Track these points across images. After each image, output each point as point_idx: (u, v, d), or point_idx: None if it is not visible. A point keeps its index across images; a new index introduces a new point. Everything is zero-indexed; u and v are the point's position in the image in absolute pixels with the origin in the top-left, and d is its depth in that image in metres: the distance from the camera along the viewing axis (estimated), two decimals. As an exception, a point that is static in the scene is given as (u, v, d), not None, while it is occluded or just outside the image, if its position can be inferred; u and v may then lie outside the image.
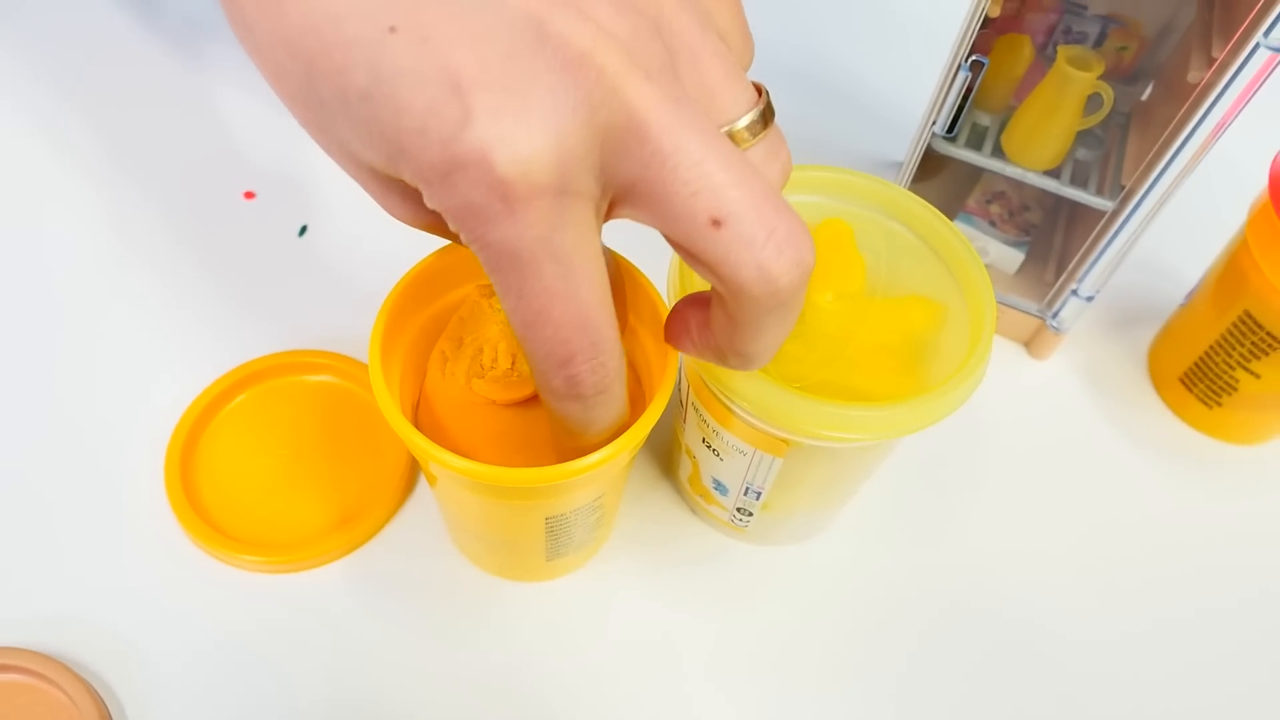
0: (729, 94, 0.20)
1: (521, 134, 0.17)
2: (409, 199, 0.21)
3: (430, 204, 0.19)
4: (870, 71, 0.52)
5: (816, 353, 0.29)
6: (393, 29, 0.18)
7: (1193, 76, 0.33)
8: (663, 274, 0.29)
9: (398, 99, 0.18)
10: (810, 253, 0.19)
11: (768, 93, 0.21)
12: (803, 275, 0.19)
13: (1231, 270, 0.38)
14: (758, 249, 0.19)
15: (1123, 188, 0.36)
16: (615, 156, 0.19)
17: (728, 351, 0.22)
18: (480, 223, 0.18)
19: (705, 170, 0.18)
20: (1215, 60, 0.31)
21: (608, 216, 0.20)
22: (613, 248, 0.28)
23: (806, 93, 0.51)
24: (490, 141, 0.17)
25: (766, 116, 0.21)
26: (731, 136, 0.20)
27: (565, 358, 0.20)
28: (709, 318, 0.22)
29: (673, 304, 0.25)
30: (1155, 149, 0.34)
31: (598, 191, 0.19)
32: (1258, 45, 0.29)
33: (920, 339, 0.30)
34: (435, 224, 0.21)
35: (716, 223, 0.19)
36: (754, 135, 0.21)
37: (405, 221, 0.22)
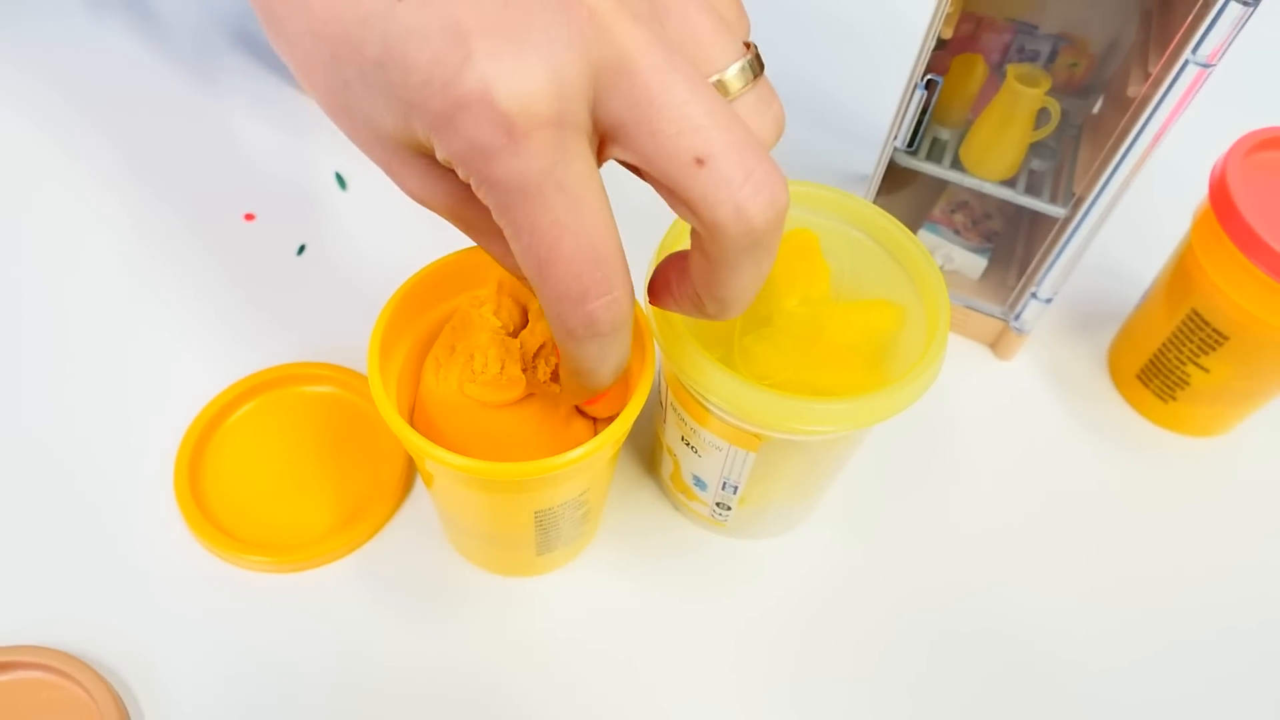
0: (716, 45, 0.22)
1: (520, 69, 0.19)
2: (426, 170, 0.22)
3: (441, 156, 0.21)
4: (840, 91, 0.55)
5: (784, 353, 0.31)
6: None
7: (1132, 91, 0.35)
8: (643, 266, 0.31)
9: (406, 58, 0.20)
10: (785, 195, 0.21)
11: (756, 47, 0.23)
12: (777, 215, 0.21)
13: (1179, 272, 0.40)
14: (735, 188, 0.20)
15: (1074, 195, 0.38)
16: (606, 94, 0.20)
17: (705, 298, 0.23)
18: (487, 160, 0.20)
19: (689, 112, 0.20)
20: (1151, 75, 0.34)
21: (599, 158, 0.22)
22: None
23: (788, 111, 0.53)
24: (490, 78, 0.19)
25: (755, 68, 0.22)
26: (721, 85, 0.22)
27: (580, 293, 0.21)
28: (687, 267, 0.24)
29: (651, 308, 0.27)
30: (1101, 158, 0.36)
31: (590, 127, 0.20)
32: (1187, 61, 0.32)
33: (882, 339, 0.32)
34: (450, 198, 0.23)
35: (699, 161, 0.20)
36: (743, 84, 0.22)
37: (422, 198, 0.23)
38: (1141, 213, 0.46)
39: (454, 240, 0.30)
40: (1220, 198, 0.37)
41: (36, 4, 0.54)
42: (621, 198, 0.23)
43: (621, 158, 0.21)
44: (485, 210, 0.21)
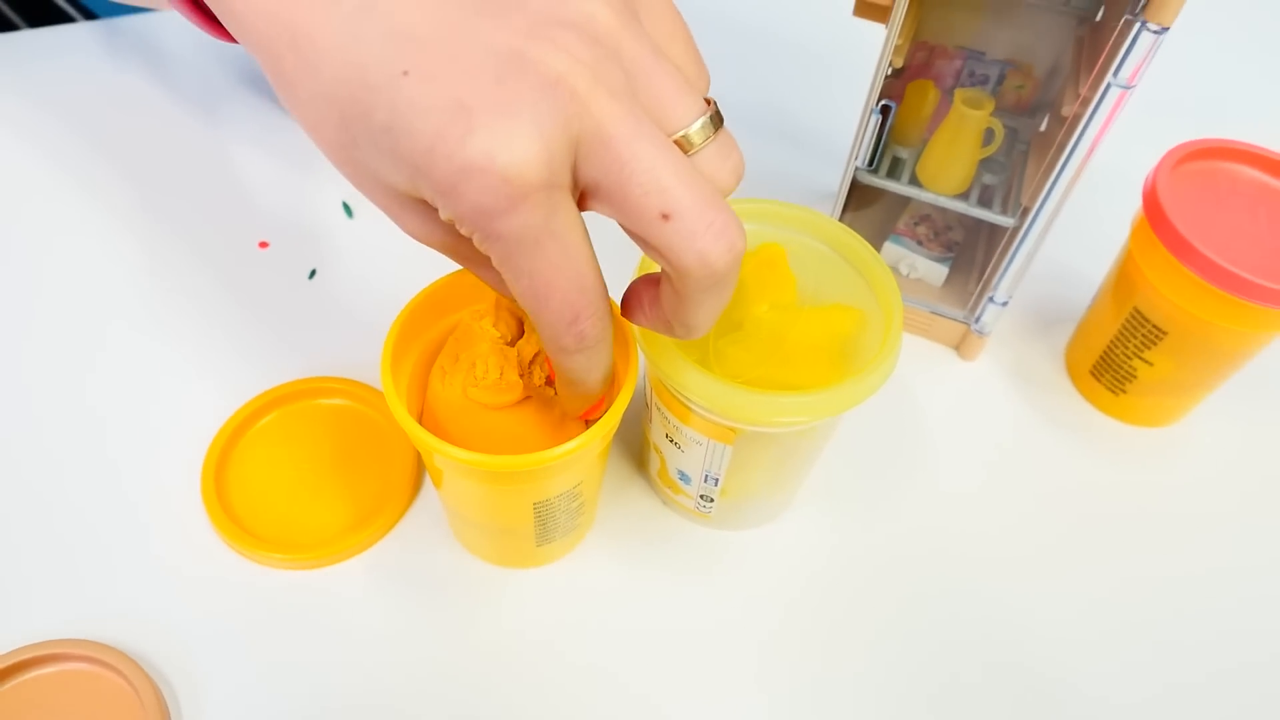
0: (680, 106, 0.25)
1: (515, 141, 0.22)
2: (426, 216, 0.26)
3: (445, 214, 0.24)
4: (809, 115, 0.58)
5: (755, 354, 0.34)
6: (405, 73, 0.23)
7: (1066, 110, 0.39)
8: (621, 285, 0.34)
9: (413, 128, 0.23)
10: (741, 241, 0.25)
11: (716, 103, 0.27)
12: (735, 258, 0.25)
13: (1122, 275, 0.43)
14: (698, 238, 0.24)
15: (1022, 206, 0.42)
16: (586, 160, 0.24)
17: (674, 323, 0.27)
18: (491, 219, 0.23)
19: (657, 175, 0.23)
20: (1081, 96, 0.37)
21: (580, 208, 0.25)
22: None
23: (757, 135, 0.57)
24: (491, 149, 0.22)
25: (715, 122, 0.26)
26: (686, 139, 0.25)
27: (573, 317, 0.25)
28: (659, 295, 0.28)
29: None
30: (1043, 172, 0.40)
31: (573, 185, 0.24)
32: (1109, 84, 0.35)
33: (843, 339, 0.35)
34: (446, 238, 0.27)
35: (665, 217, 0.24)
36: (705, 139, 0.26)
37: (420, 238, 0.27)
38: (1089, 221, 0.49)
39: (453, 263, 0.34)
40: (1152, 207, 0.40)
41: (55, 47, 0.58)
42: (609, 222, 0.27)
43: (600, 210, 0.25)
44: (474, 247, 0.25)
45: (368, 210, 0.51)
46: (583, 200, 0.25)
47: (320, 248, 0.49)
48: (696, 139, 0.25)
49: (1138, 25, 0.33)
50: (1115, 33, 0.34)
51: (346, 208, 0.51)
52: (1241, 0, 0.72)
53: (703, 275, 0.25)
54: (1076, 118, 0.37)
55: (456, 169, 0.23)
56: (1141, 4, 0.33)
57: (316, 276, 0.48)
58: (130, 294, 0.46)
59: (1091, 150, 0.37)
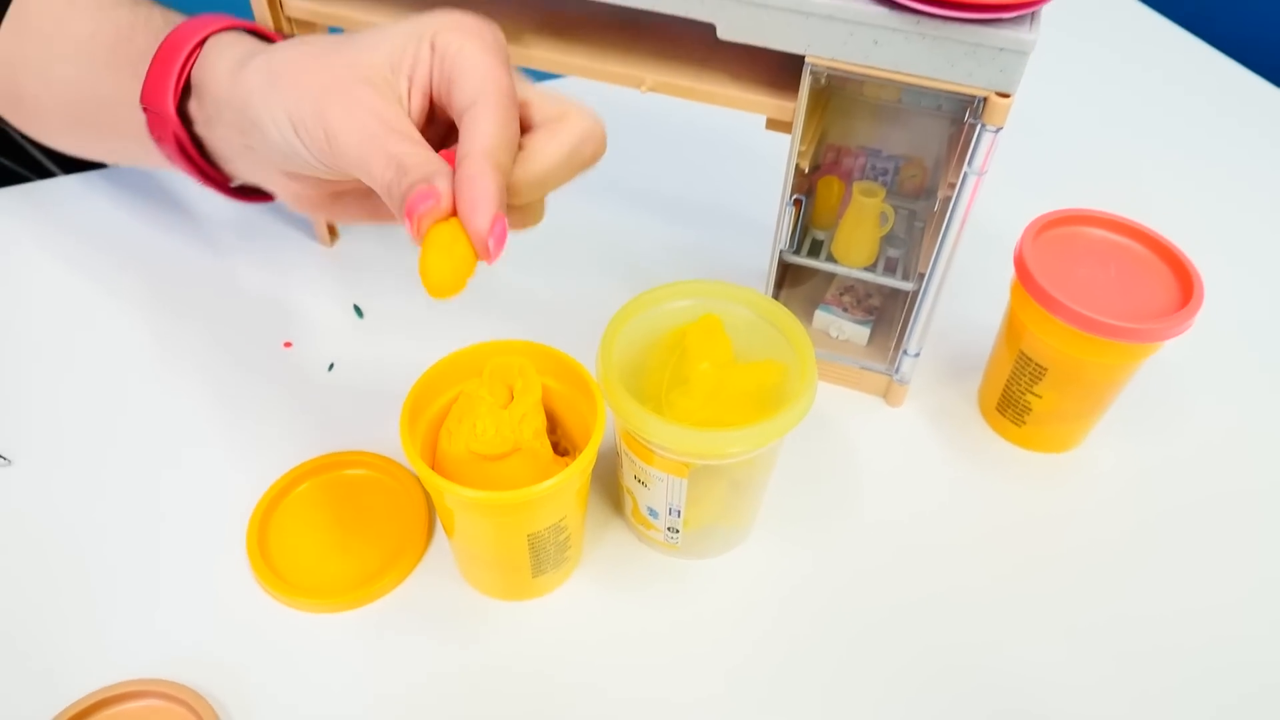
0: None
1: None
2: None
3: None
4: (748, 206, 0.68)
5: (699, 402, 0.42)
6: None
7: (942, 193, 0.48)
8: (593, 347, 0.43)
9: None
10: None
11: None
12: None
13: (1009, 323, 0.52)
14: None
15: (919, 273, 0.51)
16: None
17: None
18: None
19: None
20: (951, 183, 0.46)
21: None
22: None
23: (705, 223, 0.66)
24: None
25: None
26: None
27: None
28: None
29: (600, 373, 0.39)
30: (927, 243, 0.49)
31: None
32: (966, 173, 0.44)
33: (771, 389, 0.43)
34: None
35: None
36: None
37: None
38: (986, 280, 0.58)
39: (450, 346, 0.42)
40: (1022, 269, 0.49)
41: (91, 187, 0.67)
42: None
43: None
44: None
45: (375, 312, 0.59)
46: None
47: (336, 344, 0.58)
48: None
49: (979, 127, 0.43)
50: (963, 134, 0.44)
51: (357, 310, 0.59)
52: (1091, 94, 0.83)
53: None
54: (948, 199, 0.46)
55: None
56: (980, 111, 0.42)
57: (335, 369, 0.56)
58: (186, 390, 0.55)
59: (963, 223, 0.46)
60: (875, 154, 0.54)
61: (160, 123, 0.45)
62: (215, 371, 0.56)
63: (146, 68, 0.45)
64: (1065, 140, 0.78)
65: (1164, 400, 0.57)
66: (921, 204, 0.55)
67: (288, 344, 0.57)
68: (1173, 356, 0.57)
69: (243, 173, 0.46)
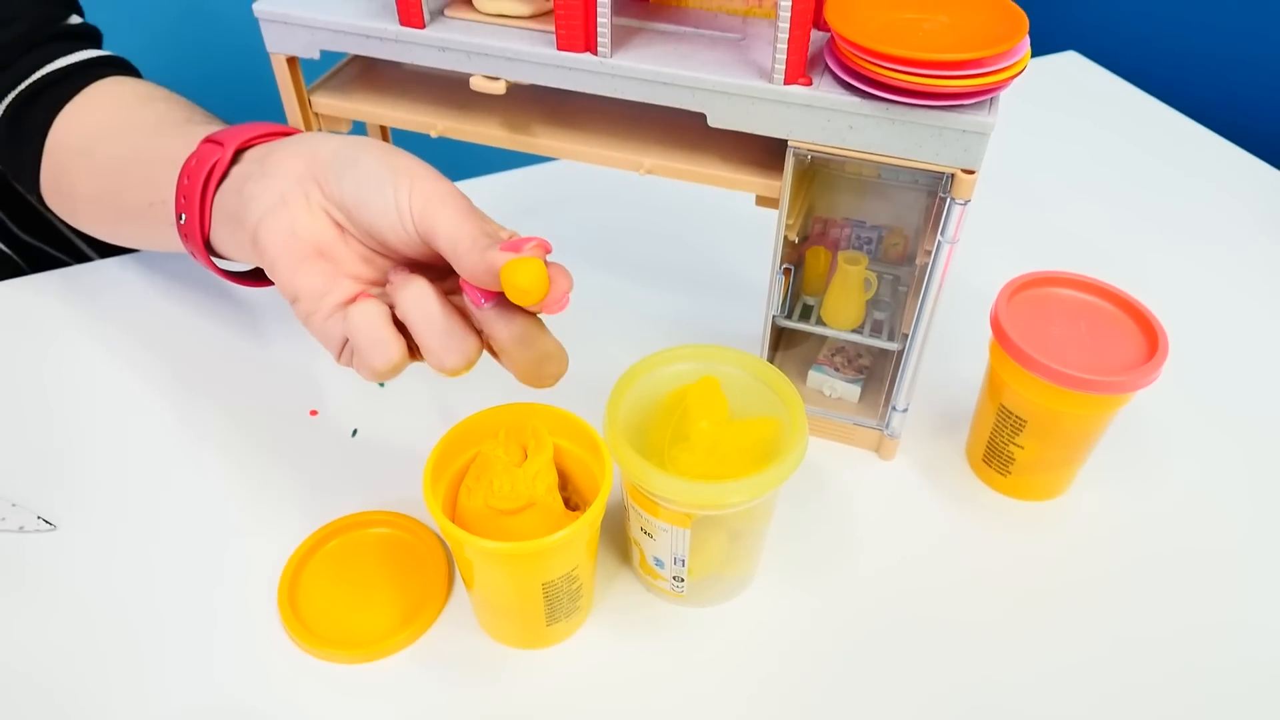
0: None
1: None
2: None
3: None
4: (746, 273, 0.72)
5: (699, 458, 0.46)
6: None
7: (920, 260, 0.52)
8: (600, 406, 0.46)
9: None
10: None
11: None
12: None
13: (990, 379, 0.55)
14: None
15: (903, 334, 0.54)
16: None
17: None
18: None
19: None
20: (927, 250, 0.50)
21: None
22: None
23: (706, 289, 0.70)
24: None
25: None
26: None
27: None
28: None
29: (606, 432, 0.43)
30: (909, 305, 0.53)
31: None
32: (941, 243, 0.48)
33: (766, 443, 0.47)
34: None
35: None
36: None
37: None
38: (970, 338, 0.61)
39: (465, 410, 0.46)
40: (998, 329, 0.53)
41: (126, 270, 0.71)
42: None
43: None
44: None
45: (394, 381, 0.63)
46: None
47: (359, 411, 0.61)
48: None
49: (949, 200, 0.47)
50: (934, 207, 0.48)
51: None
52: (1060, 159, 0.88)
53: None
54: (924, 266, 0.50)
55: None
56: (949, 186, 0.46)
57: (359, 435, 0.60)
58: (220, 457, 0.58)
59: (940, 288, 0.50)
60: (859, 224, 0.58)
61: (188, 193, 0.48)
62: (247, 439, 0.59)
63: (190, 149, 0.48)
64: (1038, 202, 0.82)
65: (1142, 447, 0.60)
66: (905, 269, 0.59)
67: (314, 412, 0.61)
68: (1149, 404, 0.61)
69: (231, 251, 0.48)
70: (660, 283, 0.72)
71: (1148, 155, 0.89)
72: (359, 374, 0.42)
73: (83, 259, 0.82)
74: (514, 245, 0.39)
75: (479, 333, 0.41)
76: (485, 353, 0.42)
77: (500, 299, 0.40)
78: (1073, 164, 0.88)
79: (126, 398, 0.62)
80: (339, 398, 0.62)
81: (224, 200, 0.47)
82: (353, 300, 0.41)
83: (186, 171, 0.48)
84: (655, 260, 0.74)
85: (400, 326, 0.41)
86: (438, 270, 0.42)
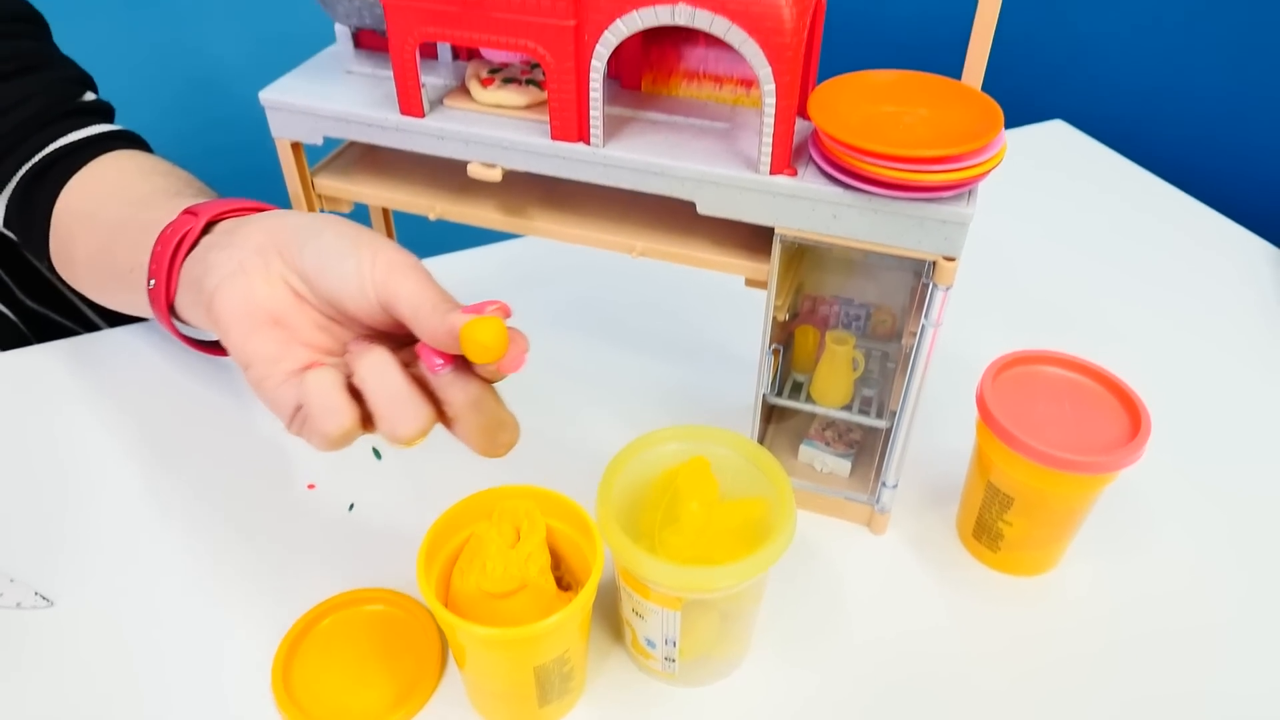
0: None
1: None
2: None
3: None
4: (739, 350, 0.73)
5: (689, 539, 0.46)
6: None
7: (905, 340, 0.53)
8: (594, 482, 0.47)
9: None
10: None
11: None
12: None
13: (978, 456, 0.56)
14: None
15: (891, 411, 0.55)
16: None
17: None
18: None
19: None
20: (912, 331, 0.52)
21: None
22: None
23: (695, 366, 0.71)
24: None
25: None
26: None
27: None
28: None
29: (598, 515, 0.43)
30: (896, 383, 0.54)
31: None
32: (925, 325, 0.49)
33: (754, 524, 0.47)
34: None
35: None
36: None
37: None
38: (961, 412, 0.62)
39: (462, 484, 0.47)
40: (984, 409, 0.53)
41: (134, 339, 0.73)
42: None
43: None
44: None
45: (391, 454, 0.64)
46: None
47: (356, 485, 0.62)
48: None
49: (932, 285, 0.48)
50: (918, 289, 0.49)
51: (375, 452, 0.64)
52: (1046, 235, 0.90)
53: None
54: (909, 346, 0.51)
55: None
56: (931, 273, 0.48)
57: (355, 509, 0.60)
58: (218, 530, 0.59)
59: (926, 367, 0.51)
60: (848, 302, 0.60)
61: (160, 257, 0.50)
62: (245, 512, 0.60)
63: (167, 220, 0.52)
64: (1025, 272, 0.84)
65: (1131, 520, 0.60)
66: (893, 345, 0.61)
67: (311, 485, 0.62)
68: (1136, 478, 0.61)
69: (192, 317, 0.51)
70: (653, 355, 0.73)
71: (1134, 224, 0.91)
72: (309, 443, 0.42)
73: (91, 327, 0.83)
74: (476, 309, 0.40)
75: (434, 403, 0.42)
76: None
77: (458, 363, 0.41)
78: (1060, 233, 0.89)
79: (129, 470, 0.63)
80: (336, 471, 0.63)
81: (190, 268, 0.49)
82: (307, 368, 0.42)
83: (161, 239, 0.51)
84: (648, 332, 0.75)
85: (353, 396, 0.42)
86: (395, 340, 0.44)
